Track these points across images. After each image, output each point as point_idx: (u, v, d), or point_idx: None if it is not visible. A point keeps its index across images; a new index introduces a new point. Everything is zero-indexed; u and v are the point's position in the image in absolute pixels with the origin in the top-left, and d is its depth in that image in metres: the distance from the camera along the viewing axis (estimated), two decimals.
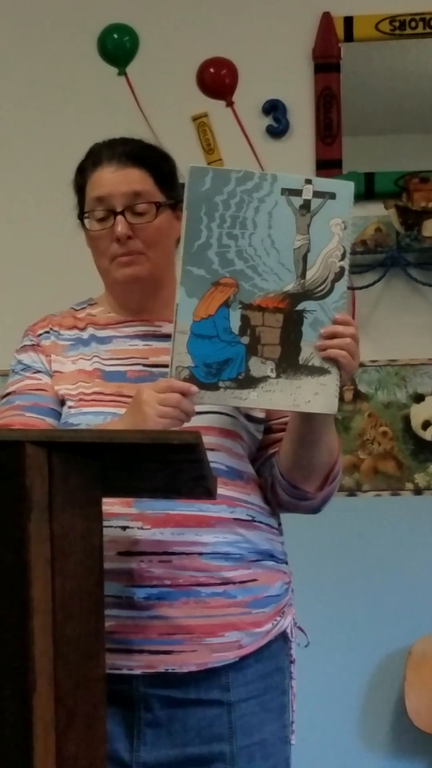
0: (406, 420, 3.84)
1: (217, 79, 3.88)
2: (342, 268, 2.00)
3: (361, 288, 3.76)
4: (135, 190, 2.16)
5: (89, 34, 3.90)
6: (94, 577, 1.75)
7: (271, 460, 2.18)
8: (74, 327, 2.25)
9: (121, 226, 2.14)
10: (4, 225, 3.92)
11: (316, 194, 1.99)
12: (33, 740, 1.61)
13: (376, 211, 3.77)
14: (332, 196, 2.00)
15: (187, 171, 1.98)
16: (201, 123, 3.88)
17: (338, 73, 3.85)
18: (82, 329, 2.24)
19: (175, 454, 1.73)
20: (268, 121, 3.88)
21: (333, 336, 2.00)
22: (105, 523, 1.80)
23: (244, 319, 1.99)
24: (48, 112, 3.91)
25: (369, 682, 3.85)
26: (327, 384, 2.00)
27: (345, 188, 2.02)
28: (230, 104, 3.88)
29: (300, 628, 2.26)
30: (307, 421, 2.07)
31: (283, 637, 2.20)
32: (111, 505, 1.98)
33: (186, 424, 1.99)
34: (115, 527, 2.03)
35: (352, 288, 3.71)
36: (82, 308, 2.30)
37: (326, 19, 3.82)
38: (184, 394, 1.96)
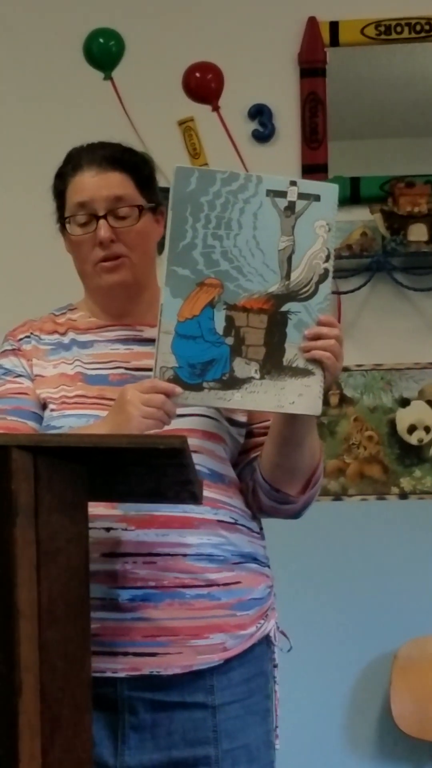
0: (392, 424, 3.85)
1: (203, 84, 3.89)
2: (326, 270, 2.01)
3: (346, 292, 3.76)
4: (116, 194, 2.16)
5: (75, 39, 3.90)
6: (80, 581, 1.75)
7: (252, 464, 2.18)
8: (55, 332, 2.25)
9: (104, 230, 2.14)
10: None
11: (301, 196, 2.00)
12: (18, 745, 1.60)
13: (362, 215, 3.78)
14: (317, 198, 2.00)
15: (173, 171, 1.98)
16: (187, 127, 3.88)
17: (324, 77, 3.85)
18: (63, 334, 2.24)
19: (162, 458, 1.73)
20: (254, 125, 3.88)
21: (317, 337, 2.00)
22: (89, 525, 1.80)
23: (229, 320, 1.99)
24: (34, 117, 3.91)
25: (355, 686, 3.85)
26: (311, 385, 2.01)
27: (329, 190, 2.02)
28: (216, 109, 3.89)
29: (283, 633, 2.25)
30: (290, 423, 2.07)
31: (267, 641, 2.19)
32: (95, 506, 1.98)
33: (169, 426, 1.98)
34: (99, 529, 2.03)
35: (337, 292, 3.72)
36: (62, 313, 2.30)
37: (312, 23, 3.83)
38: (168, 394, 1.96)
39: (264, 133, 3.87)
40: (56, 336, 2.24)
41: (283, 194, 1.99)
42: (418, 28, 3.84)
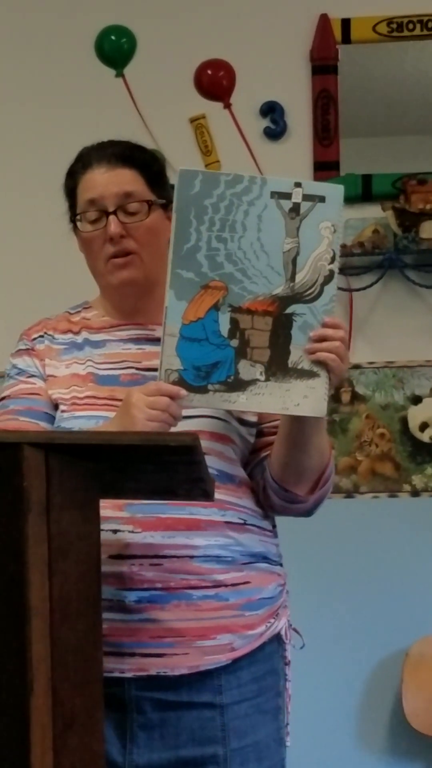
0: (404, 422, 3.84)
1: (215, 81, 3.88)
2: (331, 272, 2.00)
3: (358, 290, 3.76)
4: (126, 190, 2.16)
5: (87, 36, 3.90)
6: (92, 578, 1.75)
7: (262, 464, 2.18)
8: (69, 331, 2.25)
9: (113, 226, 2.14)
10: (1, 227, 3.92)
11: (306, 197, 1.99)
12: (30, 743, 1.61)
13: (374, 213, 3.77)
14: (322, 199, 2.00)
15: (177, 174, 1.98)
16: (198, 125, 3.88)
17: (336, 75, 3.84)
18: (77, 333, 2.25)
19: (173, 455, 1.73)
20: (265, 122, 3.88)
21: (322, 339, 2.00)
22: None
23: (234, 322, 1.99)
24: (46, 114, 3.91)
25: (366, 684, 3.84)
26: (316, 387, 2.00)
27: (335, 191, 2.02)
28: (228, 106, 3.89)
29: (295, 630, 2.25)
30: (297, 424, 2.07)
31: (278, 639, 2.19)
32: (102, 508, 1.97)
33: (177, 428, 1.98)
34: (106, 531, 2.03)
35: (349, 290, 3.71)
36: (77, 312, 2.30)
37: (324, 21, 3.83)
38: (173, 397, 1.96)
39: (276, 131, 3.87)
40: (70, 335, 2.25)
41: (287, 196, 1.99)
42: (430, 25, 3.83)
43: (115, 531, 2.05)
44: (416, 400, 3.84)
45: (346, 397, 3.83)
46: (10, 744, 1.62)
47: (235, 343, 1.99)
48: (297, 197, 1.99)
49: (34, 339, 2.25)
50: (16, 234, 3.90)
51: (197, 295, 1.98)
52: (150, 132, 3.72)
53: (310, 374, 2.00)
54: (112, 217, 2.15)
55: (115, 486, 1.88)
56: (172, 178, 2.25)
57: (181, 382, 1.97)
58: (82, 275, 2.29)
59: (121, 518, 2.05)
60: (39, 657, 1.63)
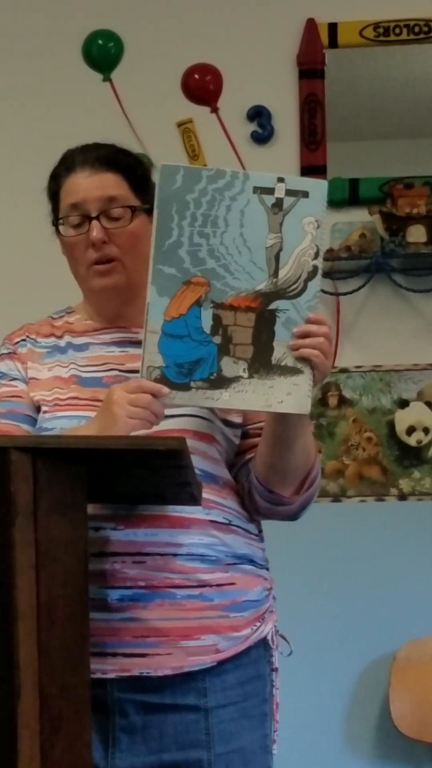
0: (391, 426, 3.85)
1: (202, 85, 3.89)
2: (315, 267, 1.99)
3: (345, 294, 3.76)
4: (109, 194, 2.16)
5: (74, 40, 3.90)
6: (79, 582, 1.75)
7: (247, 466, 2.17)
8: (51, 335, 2.25)
9: (96, 231, 2.14)
10: None
11: (289, 192, 1.98)
12: (17, 747, 1.60)
13: (361, 216, 3.77)
14: (305, 194, 1.99)
15: (158, 169, 1.97)
16: (186, 129, 3.88)
17: (323, 79, 3.85)
18: (59, 337, 2.24)
19: (160, 460, 1.73)
20: (252, 127, 3.88)
21: (306, 335, 1.99)
22: None
23: (216, 319, 1.98)
24: (33, 118, 3.91)
25: (354, 688, 3.84)
26: (300, 384, 1.99)
27: (318, 187, 2.01)
28: (215, 110, 3.89)
29: (283, 636, 2.24)
30: (281, 422, 2.06)
31: (264, 644, 2.18)
32: None
33: (160, 427, 1.98)
34: (88, 528, 2.02)
35: (336, 293, 3.72)
36: (60, 316, 2.30)
37: (311, 25, 3.83)
38: (155, 394, 1.95)
39: (263, 135, 3.87)
40: (53, 339, 2.24)
41: (270, 191, 1.98)
42: (416, 29, 3.84)
43: (97, 528, 2.03)
44: (403, 403, 3.85)
45: (333, 401, 3.84)
46: None
47: (217, 339, 1.98)
48: (280, 192, 1.98)
49: (17, 343, 2.25)
50: (4, 238, 3.89)
51: (179, 291, 1.97)
52: (137, 136, 3.72)
53: (293, 371, 1.99)
54: (94, 223, 2.14)
55: (103, 490, 1.88)
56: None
57: (163, 380, 1.96)
58: (68, 279, 2.29)
59: (102, 515, 2.04)
60: (26, 661, 1.63)
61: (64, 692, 1.70)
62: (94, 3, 3.93)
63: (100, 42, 3.90)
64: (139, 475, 1.83)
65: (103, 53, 3.90)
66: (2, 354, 2.26)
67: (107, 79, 3.90)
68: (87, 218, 2.15)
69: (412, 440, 3.83)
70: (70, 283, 2.28)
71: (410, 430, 3.83)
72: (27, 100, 3.92)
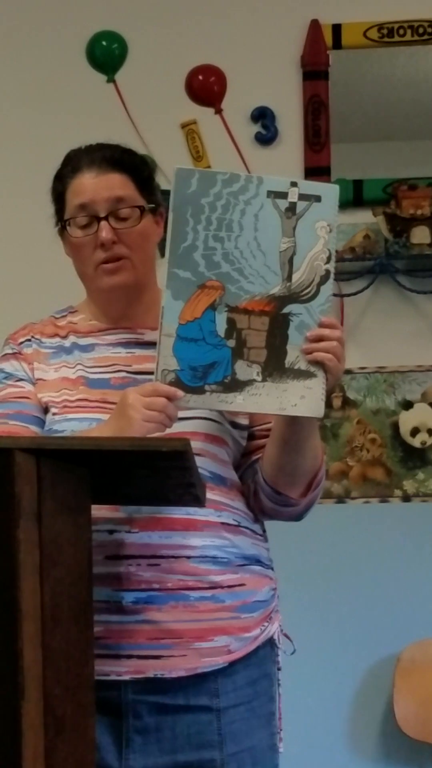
0: (395, 427, 3.85)
1: (206, 87, 3.89)
2: (327, 271, 2.00)
3: (349, 295, 3.76)
4: (117, 195, 2.15)
5: (78, 42, 3.91)
6: (83, 583, 1.75)
7: (253, 467, 2.18)
8: (55, 335, 2.25)
9: (105, 232, 2.13)
10: None
11: (302, 197, 1.99)
12: (22, 747, 1.60)
13: (365, 218, 3.77)
14: (318, 199, 2.00)
15: (173, 173, 1.98)
16: (190, 130, 3.88)
17: (327, 80, 3.86)
18: (64, 337, 2.24)
19: (164, 461, 1.73)
20: (256, 128, 3.89)
21: (319, 339, 1.99)
22: (92, 527, 1.80)
23: (230, 322, 1.98)
24: (37, 120, 3.91)
25: (358, 689, 3.84)
26: (313, 387, 2.00)
27: (330, 191, 2.02)
28: (219, 111, 3.89)
29: (286, 635, 2.25)
30: (292, 425, 2.06)
31: (270, 644, 2.19)
32: (98, 509, 1.97)
33: (171, 429, 1.98)
34: (102, 531, 2.03)
35: (340, 295, 3.72)
36: (62, 316, 2.29)
37: (315, 26, 3.83)
38: (170, 398, 1.96)
39: (267, 136, 3.88)
40: (57, 339, 2.24)
41: (284, 195, 1.99)
42: (420, 30, 3.84)
43: (111, 531, 2.04)
44: (407, 405, 3.84)
45: (337, 402, 3.84)
46: (2, 749, 1.61)
47: (231, 343, 1.98)
48: (293, 197, 1.99)
49: (21, 343, 2.24)
50: (4, 238, 3.89)
51: (194, 295, 1.98)
52: (141, 137, 3.72)
53: (306, 374, 2.00)
54: (103, 223, 2.14)
55: (107, 491, 1.88)
56: (163, 183, 2.25)
57: (177, 383, 1.97)
58: (69, 279, 2.29)
59: (117, 519, 2.04)
60: (30, 662, 1.63)
61: (69, 693, 1.70)
62: (98, 4, 3.93)
63: (104, 43, 3.91)
64: (144, 477, 1.83)
65: (106, 54, 3.91)
66: (7, 354, 2.25)
67: (111, 80, 3.90)
68: (95, 219, 2.15)
69: (416, 441, 3.83)
70: (72, 283, 2.28)
71: (414, 432, 3.83)
72: (31, 100, 3.92)
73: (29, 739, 1.62)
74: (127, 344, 2.21)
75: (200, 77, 3.89)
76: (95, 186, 2.16)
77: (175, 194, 1.97)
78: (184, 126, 3.89)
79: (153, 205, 2.19)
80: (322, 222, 2.00)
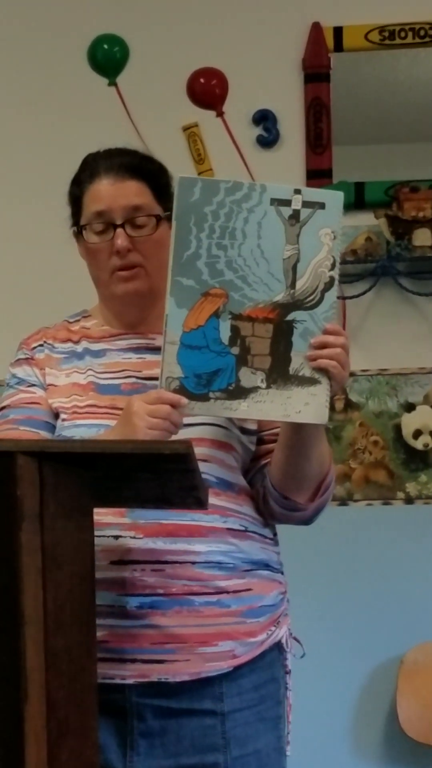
0: (397, 429, 3.85)
1: (208, 89, 3.89)
2: (331, 278, 2.00)
3: (351, 297, 3.76)
4: (134, 203, 2.15)
5: (79, 45, 3.90)
6: (86, 586, 1.75)
7: (262, 471, 2.18)
8: (68, 340, 2.25)
9: (121, 240, 2.14)
10: None
11: (306, 204, 2.00)
12: (25, 751, 1.60)
13: (367, 220, 3.77)
14: (321, 206, 2.00)
15: (176, 181, 1.98)
16: (191, 133, 3.89)
17: (328, 83, 3.85)
18: (76, 342, 2.24)
19: (167, 464, 1.73)
20: (258, 131, 3.88)
21: (323, 346, 2.00)
22: (97, 533, 1.81)
23: (234, 330, 1.99)
24: (38, 123, 3.91)
25: (361, 691, 3.84)
26: (317, 394, 2.00)
27: (334, 198, 2.02)
28: (220, 114, 3.89)
29: (296, 639, 2.25)
30: (298, 431, 2.07)
31: (278, 648, 2.19)
32: (104, 515, 1.98)
33: (178, 436, 1.98)
34: (108, 536, 2.03)
35: (342, 297, 3.71)
36: (75, 320, 2.29)
37: (316, 29, 3.83)
38: (174, 405, 1.96)
39: (268, 139, 3.87)
40: (69, 344, 2.24)
41: (287, 203, 1.99)
42: (422, 33, 3.84)
43: (116, 537, 2.05)
44: (410, 407, 3.84)
45: (339, 404, 3.83)
46: (5, 752, 1.61)
47: (235, 350, 1.99)
48: (297, 204, 1.99)
49: (34, 348, 2.25)
50: (13, 243, 3.90)
51: (197, 303, 1.98)
52: (143, 140, 3.71)
53: (311, 381, 2.00)
54: (119, 231, 2.14)
55: (109, 494, 1.88)
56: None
57: (182, 390, 1.97)
58: (81, 283, 2.29)
59: (122, 524, 2.05)
60: (33, 665, 1.63)
61: (71, 696, 1.70)
62: (100, 7, 3.93)
63: (106, 46, 3.91)
64: (146, 480, 1.83)
65: (108, 58, 3.90)
66: (20, 359, 2.26)
67: (113, 83, 3.90)
68: (111, 225, 2.15)
69: (418, 444, 3.83)
70: (78, 287, 2.28)
71: (417, 434, 3.83)
72: (32, 104, 3.92)
73: (32, 742, 1.62)
74: (137, 349, 2.21)
75: (202, 80, 3.89)
76: (112, 193, 2.16)
77: (178, 203, 1.98)
78: (185, 129, 3.89)
79: (169, 213, 2.18)
80: (326, 229, 2.00)
